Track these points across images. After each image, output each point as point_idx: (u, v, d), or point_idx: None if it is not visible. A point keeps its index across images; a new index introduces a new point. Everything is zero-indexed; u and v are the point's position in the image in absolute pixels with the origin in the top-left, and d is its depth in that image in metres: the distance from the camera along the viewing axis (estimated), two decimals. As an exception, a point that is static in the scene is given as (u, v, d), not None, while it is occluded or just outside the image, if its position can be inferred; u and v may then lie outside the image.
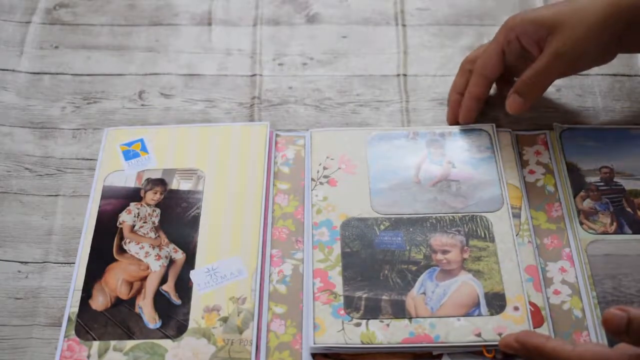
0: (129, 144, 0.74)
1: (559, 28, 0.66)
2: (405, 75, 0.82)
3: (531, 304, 0.63)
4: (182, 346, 0.62)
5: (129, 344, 0.62)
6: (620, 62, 0.82)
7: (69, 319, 0.64)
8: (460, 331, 0.61)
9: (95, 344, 0.63)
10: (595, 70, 0.81)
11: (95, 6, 0.89)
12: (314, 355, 0.62)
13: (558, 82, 0.80)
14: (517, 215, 0.68)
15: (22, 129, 0.78)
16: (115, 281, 0.66)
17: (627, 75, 0.81)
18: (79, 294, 0.65)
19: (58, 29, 0.87)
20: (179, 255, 0.67)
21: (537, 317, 0.62)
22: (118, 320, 0.64)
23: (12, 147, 0.76)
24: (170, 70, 0.83)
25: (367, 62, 0.83)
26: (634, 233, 0.67)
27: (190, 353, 0.62)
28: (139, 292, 0.65)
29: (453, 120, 0.75)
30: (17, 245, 0.70)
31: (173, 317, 0.64)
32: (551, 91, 0.80)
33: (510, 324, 0.61)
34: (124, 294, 0.65)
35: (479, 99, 0.73)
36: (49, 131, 0.78)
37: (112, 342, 0.63)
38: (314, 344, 0.61)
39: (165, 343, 0.62)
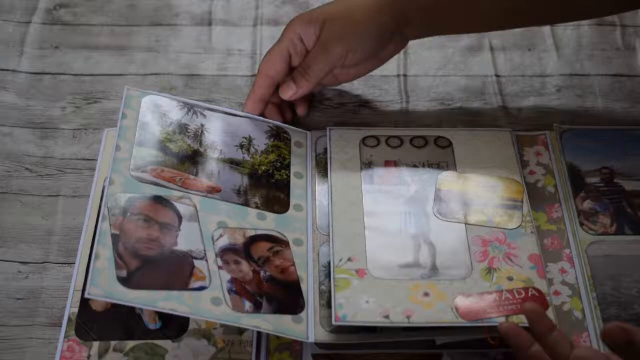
0: (129, 144, 0.74)
1: (328, 24, 0.70)
2: (405, 75, 0.82)
3: (536, 289, 0.63)
4: (182, 347, 0.62)
5: (129, 344, 0.62)
6: (620, 62, 0.82)
7: (69, 319, 0.64)
8: None
9: (95, 344, 0.62)
10: (595, 70, 0.81)
11: (95, 6, 0.89)
12: (314, 356, 0.62)
13: (558, 82, 0.80)
14: (519, 208, 0.68)
15: (22, 129, 0.78)
16: (116, 281, 0.66)
17: (627, 76, 0.81)
18: (79, 294, 0.65)
19: (58, 29, 0.87)
20: (179, 256, 0.67)
21: (541, 302, 0.61)
22: (118, 321, 0.64)
23: (12, 147, 0.76)
24: (170, 70, 0.83)
25: (367, 62, 0.83)
26: (634, 234, 0.67)
27: (190, 354, 0.62)
28: (139, 292, 0.65)
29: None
30: (17, 246, 0.70)
31: (173, 318, 0.64)
32: (551, 91, 0.80)
33: None
34: (124, 294, 0.65)
35: (262, 100, 0.73)
36: (49, 131, 0.78)
37: (112, 343, 0.63)
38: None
39: (165, 344, 0.62)
